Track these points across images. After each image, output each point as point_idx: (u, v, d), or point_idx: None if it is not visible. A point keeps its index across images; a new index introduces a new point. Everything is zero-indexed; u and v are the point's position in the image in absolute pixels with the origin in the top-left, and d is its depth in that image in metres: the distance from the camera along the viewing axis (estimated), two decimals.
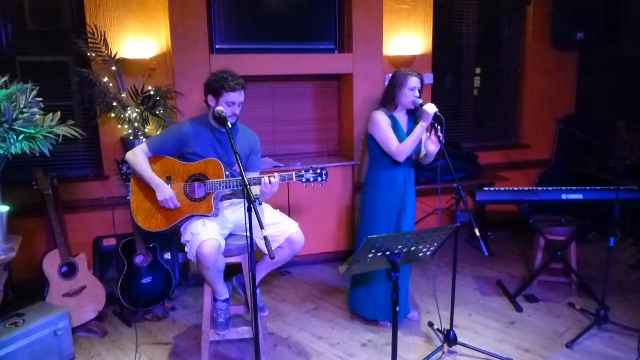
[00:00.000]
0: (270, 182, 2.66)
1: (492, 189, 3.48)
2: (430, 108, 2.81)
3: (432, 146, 2.91)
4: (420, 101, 2.93)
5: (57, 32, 3.68)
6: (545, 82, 5.10)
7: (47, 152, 2.58)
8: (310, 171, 2.73)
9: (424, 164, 3.13)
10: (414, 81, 2.97)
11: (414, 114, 3.11)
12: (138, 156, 2.76)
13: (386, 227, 3.12)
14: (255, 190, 2.82)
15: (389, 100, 3.07)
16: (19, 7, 3.59)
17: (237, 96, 2.74)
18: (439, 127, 2.81)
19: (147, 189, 2.81)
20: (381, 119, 3.02)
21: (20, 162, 3.13)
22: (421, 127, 2.87)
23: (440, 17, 4.60)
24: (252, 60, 3.79)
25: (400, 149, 2.95)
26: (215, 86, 2.72)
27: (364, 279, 3.25)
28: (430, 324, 3.26)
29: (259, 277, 3.01)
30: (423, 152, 3.06)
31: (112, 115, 3.66)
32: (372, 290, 3.21)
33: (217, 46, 3.80)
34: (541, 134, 5.18)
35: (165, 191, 2.72)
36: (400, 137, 2.99)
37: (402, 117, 3.10)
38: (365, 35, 4.04)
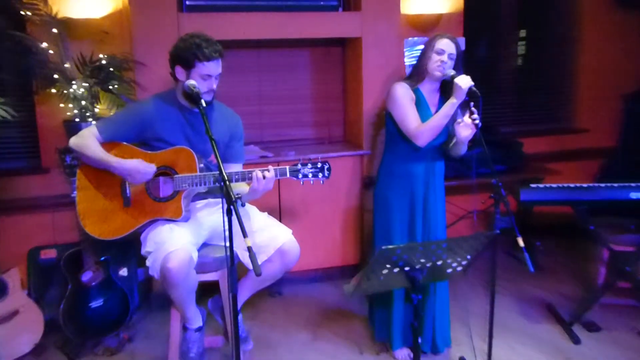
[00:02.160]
0: (264, 177, 2.65)
1: (540, 185, 3.45)
2: (464, 81, 2.79)
3: (465, 131, 2.86)
4: (452, 72, 2.91)
5: None
6: (608, 50, 5.08)
7: None
8: (309, 165, 2.72)
9: (454, 154, 3.11)
10: (443, 43, 2.96)
11: (446, 93, 3.09)
12: (86, 139, 2.75)
13: (399, 233, 3.11)
14: (237, 187, 2.80)
15: (415, 69, 3.08)
16: None
17: (214, 67, 2.73)
18: (474, 106, 2.79)
19: (98, 184, 2.80)
20: (401, 91, 3.00)
21: None
22: (451, 105, 2.85)
23: None
24: (233, 21, 3.77)
25: (420, 130, 2.92)
26: (186, 55, 2.71)
27: (382, 299, 3.25)
28: (462, 359, 3.26)
29: (241, 299, 3.00)
30: (454, 140, 3.04)
31: (53, 91, 3.64)
32: (394, 313, 3.21)
33: (187, 2, 3.80)
34: (603, 116, 5.16)
35: (128, 164, 2.69)
36: (425, 118, 2.98)
37: (430, 94, 3.08)
38: None
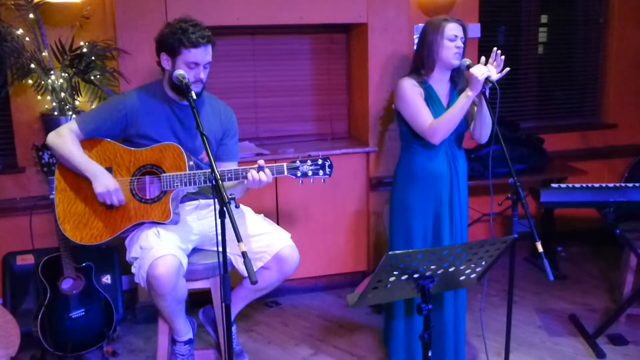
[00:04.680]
0: (259, 178, 2.66)
1: (562, 185, 3.46)
2: (480, 71, 2.81)
3: (479, 70, 2.82)
4: (468, 62, 2.93)
5: None
6: (639, 36, 5.09)
7: None
8: (308, 161, 2.73)
9: (478, 137, 3.06)
10: (452, 28, 2.97)
11: (456, 82, 3.10)
12: (64, 137, 2.77)
13: (422, 241, 3.12)
14: (230, 187, 2.81)
15: (420, 61, 3.08)
16: None
17: (201, 54, 2.74)
18: (492, 98, 2.81)
19: (79, 185, 2.81)
20: (409, 87, 3.02)
21: None
22: (467, 98, 2.86)
23: None
24: (226, 5, 3.78)
25: (434, 127, 2.94)
26: (171, 41, 2.73)
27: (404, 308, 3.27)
28: None
29: (235, 310, 3.02)
30: (472, 123, 3.05)
31: (30, 82, 3.65)
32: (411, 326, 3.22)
33: None
34: (633, 110, 5.17)
35: (105, 181, 2.71)
36: (438, 113, 2.99)
37: (441, 87, 3.09)
38: None
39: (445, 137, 2.98)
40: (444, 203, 3.10)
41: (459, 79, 3.10)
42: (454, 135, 3.06)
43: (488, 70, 2.82)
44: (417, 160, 3.11)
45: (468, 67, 2.90)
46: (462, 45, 2.99)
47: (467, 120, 3.07)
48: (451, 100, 3.09)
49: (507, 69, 2.85)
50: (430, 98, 3.04)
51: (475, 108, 3.00)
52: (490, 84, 2.81)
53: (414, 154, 3.12)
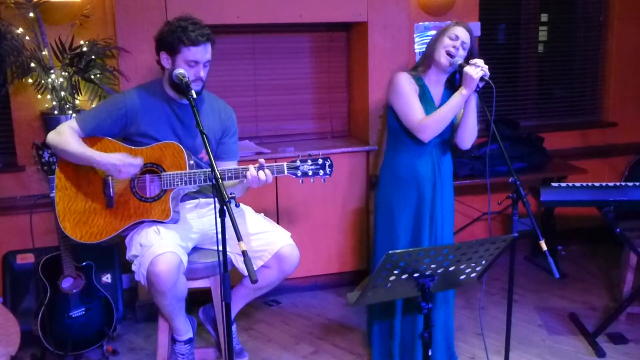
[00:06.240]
0: (258, 175, 2.66)
1: (562, 184, 3.46)
2: (474, 70, 2.80)
3: (475, 70, 2.80)
4: (460, 60, 2.93)
5: None
6: (639, 35, 5.08)
7: None
8: (309, 161, 2.73)
9: (462, 145, 3.08)
10: (459, 30, 2.98)
11: (453, 87, 3.10)
12: (65, 134, 2.77)
13: (402, 242, 3.13)
14: (230, 186, 2.82)
15: (422, 58, 3.11)
16: None
17: (201, 52, 2.74)
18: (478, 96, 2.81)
19: (79, 183, 2.81)
20: (403, 81, 3.02)
21: None
22: (461, 96, 2.87)
23: None
24: (226, 4, 3.78)
25: (425, 123, 2.94)
26: (171, 39, 2.73)
27: (383, 309, 3.26)
28: None
29: (235, 309, 3.02)
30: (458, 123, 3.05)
31: (30, 80, 3.65)
32: (395, 326, 3.22)
33: None
34: (633, 108, 5.17)
35: (113, 157, 2.70)
36: (428, 112, 2.99)
37: (437, 89, 3.10)
38: None
39: (434, 135, 2.98)
40: (426, 205, 3.09)
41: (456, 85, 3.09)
42: (439, 139, 3.06)
43: (482, 69, 2.82)
44: (401, 160, 3.11)
45: (461, 66, 2.90)
46: (459, 47, 2.96)
47: (452, 127, 3.07)
48: (442, 103, 3.08)
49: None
50: (424, 96, 3.04)
51: (462, 112, 3.00)
52: (483, 82, 2.82)
53: (398, 154, 3.12)
